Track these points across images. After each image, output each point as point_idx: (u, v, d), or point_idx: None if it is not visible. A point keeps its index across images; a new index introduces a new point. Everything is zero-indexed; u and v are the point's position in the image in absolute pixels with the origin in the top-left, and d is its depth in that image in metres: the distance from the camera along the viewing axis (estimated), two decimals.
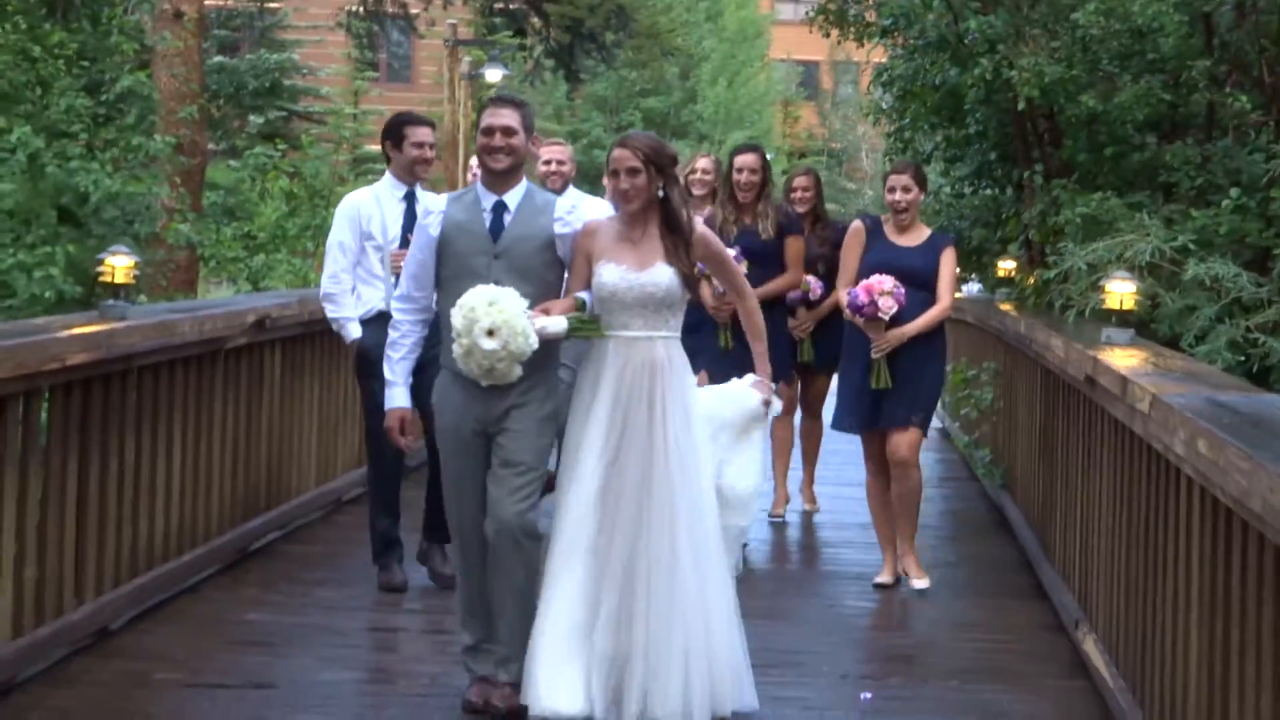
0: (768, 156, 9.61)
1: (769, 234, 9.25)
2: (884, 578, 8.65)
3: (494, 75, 28.26)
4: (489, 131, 6.24)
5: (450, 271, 6.19)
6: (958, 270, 8.94)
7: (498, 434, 6.11)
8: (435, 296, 6.34)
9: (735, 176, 9.24)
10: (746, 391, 6.44)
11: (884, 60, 13.66)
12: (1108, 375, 6.54)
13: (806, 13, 14.40)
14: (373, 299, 8.18)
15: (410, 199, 8.25)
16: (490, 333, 5.75)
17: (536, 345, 5.83)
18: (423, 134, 8.36)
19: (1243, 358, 8.67)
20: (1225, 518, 4.80)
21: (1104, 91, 10.51)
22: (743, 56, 43.48)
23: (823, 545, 9.85)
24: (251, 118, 28.70)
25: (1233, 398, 5.45)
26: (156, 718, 6.29)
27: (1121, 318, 7.64)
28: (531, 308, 5.91)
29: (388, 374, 6.43)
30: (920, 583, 8.57)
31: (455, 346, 5.84)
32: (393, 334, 6.43)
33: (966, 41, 11.17)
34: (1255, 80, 10.64)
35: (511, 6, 24.01)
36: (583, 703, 5.80)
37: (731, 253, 8.59)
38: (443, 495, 6.41)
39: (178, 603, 7.87)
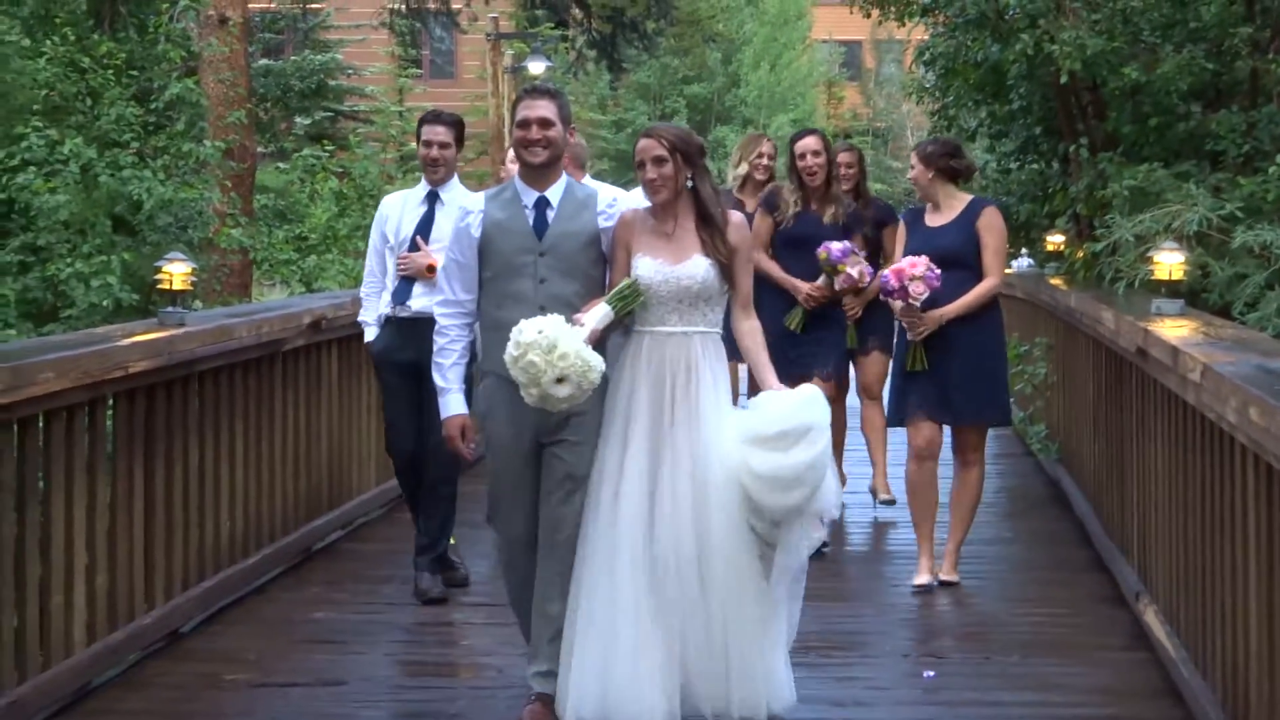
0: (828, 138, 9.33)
1: (834, 217, 8.93)
2: (922, 579, 8.16)
3: (537, 68, 28.32)
4: (525, 124, 5.97)
5: (494, 271, 5.95)
6: (1004, 240, 8.31)
7: (554, 444, 5.87)
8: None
9: (800, 163, 8.92)
10: (795, 406, 5.82)
11: (925, 39, 13.66)
12: (1159, 346, 6.57)
13: None
14: (385, 303, 8.13)
15: (432, 200, 8.10)
16: (560, 380, 5.46)
17: (604, 367, 5.60)
18: (432, 132, 8.07)
19: None
20: (1279, 484, 4.83)
21: (1146, 62, 10.51)
22: (784, 39, 43.36)
23: (882, 523, 9.86)
24: (298, 119, 28.84)
25: None
26: (228, 718, 6.39)
27: (1171, 288, 7.65)
28: (577, 310, 5.75)
29: (440, 380, 6.08)
30: (950, 577, 8.19)
31: (525, 395, 5.54)
32: (440, 340, 6.10)
33: (1007, 17, 11.19)
34: None
35: None
36: (632, 708, 5.61)
37: (839, 246, 8.75)
38: (491, 509, 6.11)
39: (246, 604, 7.98)
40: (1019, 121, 12.63)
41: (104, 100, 14.73)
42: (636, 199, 7.74)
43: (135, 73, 15.49)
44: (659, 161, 5.83)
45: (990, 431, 8.72)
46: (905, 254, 8.14)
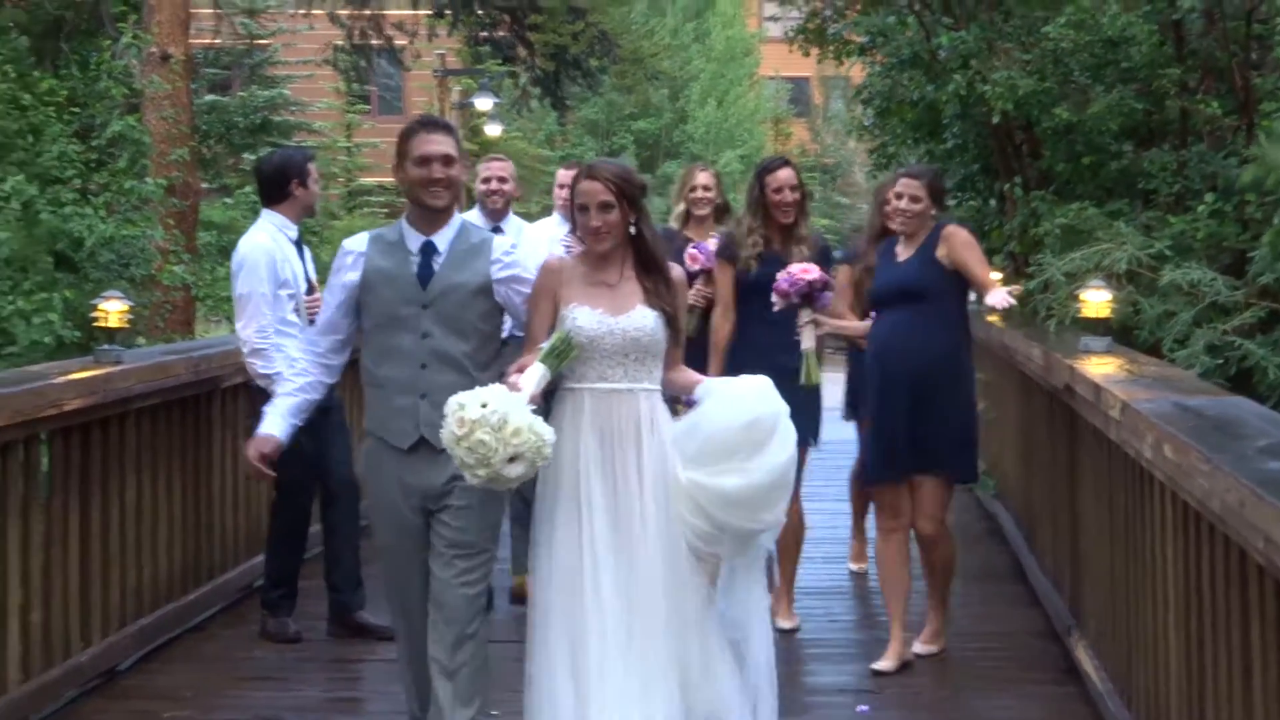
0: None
1: (803, 258, 7.71)
2: (886, 663, 7.38)
3: (484, 104, 28.44)
4: (425, 161, 5.41)
5: (374, 323, 5.46)
6: (975, 252, 7.50)
7: (439, 510, 5.40)
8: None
9: (775, 197, 7.84)
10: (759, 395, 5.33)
11: (865, 77, 13.83)
12: (1083, 383, 6.67)
13: (786, 32, 14.59)
14: None
15: (299, 244, 7.91)
16: (513, 459, 4.87)
17: (554, 436, 4.99)
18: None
19: (1221, 361, 8.80)
20: (1194, 519, 4.93)
21: (1078, 103, 10.68)
22: (732, 75, 43.64)
23: (818, 560, 9.88)
24: (245, 155, 28.85)
25: (1200, 402, 5.57)
26: None
27: (1098, 326, 7.76)
28: (472, 366, 5.35)
29: (267, 406, 5.73)
30: (927, 648, 7.61)
31: (469, 476, 4.93)
32: (289, 368, 5.80)
33: (940, 57, 11.33)
34: (1228, 85, 10.79)
35: (497, 35, 24.14)
36: None
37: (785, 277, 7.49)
38: (384, 580, 5.74)
39: (184, 641, 7.98)
40: (956, 159, 12.79)
41: (45, 137, 14.70)
42: (544, 230, 7.66)
43: (77, 109, 15.47)
44: (605, 208, 5.27)
45: None
46: (870, 289, 7.68)
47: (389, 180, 26.94)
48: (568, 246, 7.47)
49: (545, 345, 5.22)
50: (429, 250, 5.43)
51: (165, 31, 17.05)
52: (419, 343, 5.37)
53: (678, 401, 5.62)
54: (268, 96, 30.01)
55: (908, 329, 7.32)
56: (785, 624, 7.97)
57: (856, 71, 15.15)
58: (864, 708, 6.84)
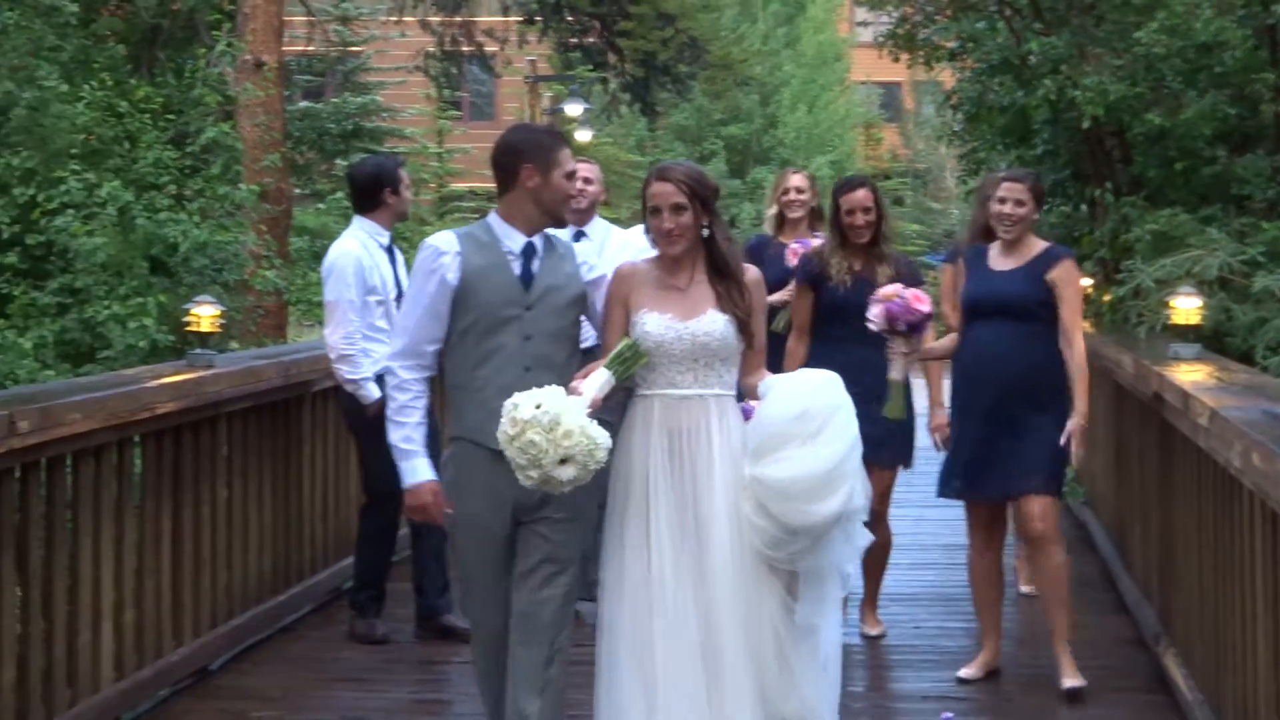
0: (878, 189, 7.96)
1: (887, 278, 7.40)
2: (972, 670, 7.32)
3: (574, 109, 28.57)
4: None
5: (471, 323, 5.28)
6: (1078, 293, 7.23)
7: (533, 522, 5.25)
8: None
9: (847, 219, 7.67)
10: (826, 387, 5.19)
11: (953, 84, 13.78)
12: (1172, 390, 6.64)
13: (876, 38, 14.55)
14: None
15: (578, 241, 7.71)
16: (564, 461, 4.80)
17: (610, 443, 4.92)
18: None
19: None
20: None
21: (1170, 108, 10.60)
22: (822, 80, 43.45)
23: (904, 567, 9.86)
24: (337, 161, 29.09)
25: None
26: None
27: (1189, 332, 7.70)
28: (567, 371, 5.20)
29: (402, 444, 5.38)
30: (1072, 682, 7.05)
31: (522, 478, 4.87)
32: (400, 396, 5.38)
33: (1030, 62, 11.27)
34: None
35: (587, 41, 24.23)
36: None
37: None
38: (464, 596, 5.55)
39: (274, 642, 8.07)
40: (1046, 165, 12.71)
41: (141, 144, 14.90)
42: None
43: (172, 117, 15.66)
44: (678, 209, 5.18)
45: None
46: (962, 295, 7.31)
47: (480, 185, 27.13)
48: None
49: (612, 351, 5.14)
50: (530, 251, 5.33)
51: (259, 39, 17.23)
52: (522, 345, 5.26)
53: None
54: (360, 103, 30.23)
55: (1009, 343, 7.01)
56: (872, 631, 8.03)
57: (947, 76, 15.10)
58: (949, 715, 6.81)
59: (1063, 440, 6.84)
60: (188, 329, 7.92)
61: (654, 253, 5.32)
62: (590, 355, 5.47)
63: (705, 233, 5.24)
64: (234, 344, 14.13)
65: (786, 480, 5.00)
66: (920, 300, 6.81)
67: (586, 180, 8.16)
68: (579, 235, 7.98)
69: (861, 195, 7.70)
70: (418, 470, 5.36)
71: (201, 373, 7.36)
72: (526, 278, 5.30)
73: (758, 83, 38.92)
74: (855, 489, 5.10)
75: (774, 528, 5.04)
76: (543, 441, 4.76)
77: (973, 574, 7.43)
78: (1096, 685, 7.22)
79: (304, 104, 29.77)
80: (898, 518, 8.53)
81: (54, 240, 14.17)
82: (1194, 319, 7.58)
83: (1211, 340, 8.28)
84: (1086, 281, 12.27)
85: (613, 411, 5.21)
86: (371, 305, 7.75)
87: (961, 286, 7.32)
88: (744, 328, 5.22)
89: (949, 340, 7.51)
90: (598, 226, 8.35)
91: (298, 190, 23.09)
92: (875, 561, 7.90)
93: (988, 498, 7.20)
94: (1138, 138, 11.08)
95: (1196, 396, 6.05)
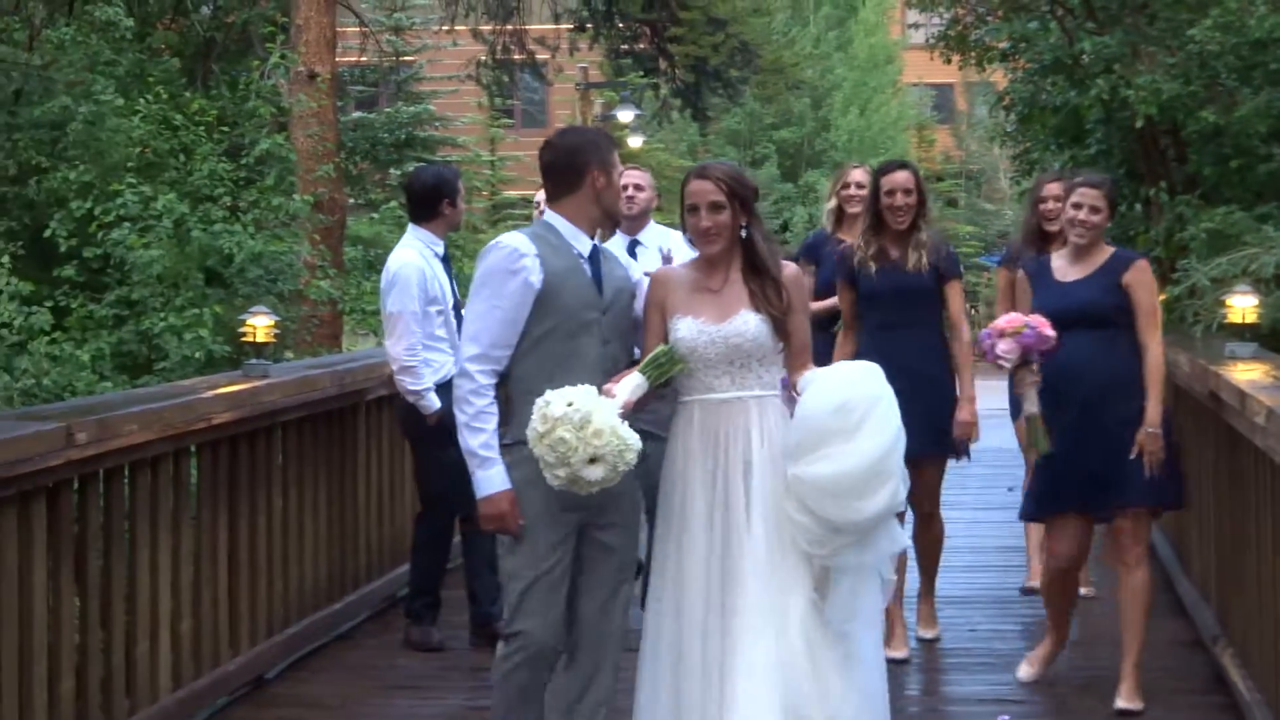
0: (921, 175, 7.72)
1: (922, 267, 7.43)
2: (1028, 670, 7.28)
3: (626, 116, 28.63)
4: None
5: (550, 328, 5.19)
6: (1154, 297, 7.02)
7: (601, 527, 5.24)
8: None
9: (886, 200, 7.44)
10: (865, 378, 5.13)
11: (1005, 85, 13.74)
12: (1228, 389, 6.60)
13: (927, 39, 14.53)
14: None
15: (633, 251, 7.75)
16: (593, 460, 4.79)
17: (640, 445, 4.89)
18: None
19: None
20: None
21: (1224, 105, 10.54)
22: (874, 83, 43.39)
23: (958, 569, 9.81)
24: (391, 171, 29.20)
25: None
26: None
27: (1245, 331, 7.65)
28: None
29: (481, 450, 5.20)
30: (1127, 704, 6.85)
31: (549, 476, 4.87)
32: (477, 402, 5.20)
33: (1083, 62, 11.22)
34: None
35: (638, 48, 24.23)
36: None
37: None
38: (516, 605, 5.26)
39: (330, 650, 8.10)
40: (1099, 165, 12.64)
41: (196, 156, 15.00)
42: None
43: (226, 129, 15.76)
44: (715, 208, 5.16)
45: None
46: (1043, 308, 6.84)
47: (531, 193, 27.19)
48: (666, 256, 7.41)
49: (648, 357, 5.11)
50: (597, 254, 5.32)
51: (312, 51, 17.30)
52: (602, 349, 5.21)
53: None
54: (413, 112, 30.37)
55: (1088, 352, 6.73)
56: (927, 633, 7.96)
57: (999, 77, 15.04)
58: (1005, 717, 6.77)
59: (1133, 453, 6.67)
60: (243, 339, 7.99)
61: (661, 251, 5.35)
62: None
63: (743, 233, 5.20)
64: (289, 354, 14.22)
65: (829, 477, 4.93)
66: (1046, 325, 6.60)
67: (638, 187, 8.06)
68: (634, 245, 7.93)
69: (903, 177, 7.48)
70: (495, 479, 5.21)
71: (257, 383, 7.40)
72: (598, 280, 5.26)
73: (809, 86, 38.86)
74: (900, 484, 5.02)
75: (817, 525, 4.98)
76: (573, 439, 4.74)
77: (1050, 588, 7.22)
78: (1154, 687, 7.17)
79: (357, 114, 29.91)
80: (952, 520, 8.49)
81: (110, 253, 14.28)
82: (1250, 317, 7.53)
83: (1268, 339, 8.21)
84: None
85: (651, 420, 5.24)
86: (432, 315, 7.76)
87: (1030, 301, 6.97)
88: (780, 326, 5.16)
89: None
90: (653, 233, 8.17)
91: (351, 200, 23.15)
92: (928, 559, 7.87)
93: (1080, 512, 6.92)
94: (1192, 136, 11.02)
95: (1253, 395, 6.01)
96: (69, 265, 14.45)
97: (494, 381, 5.24)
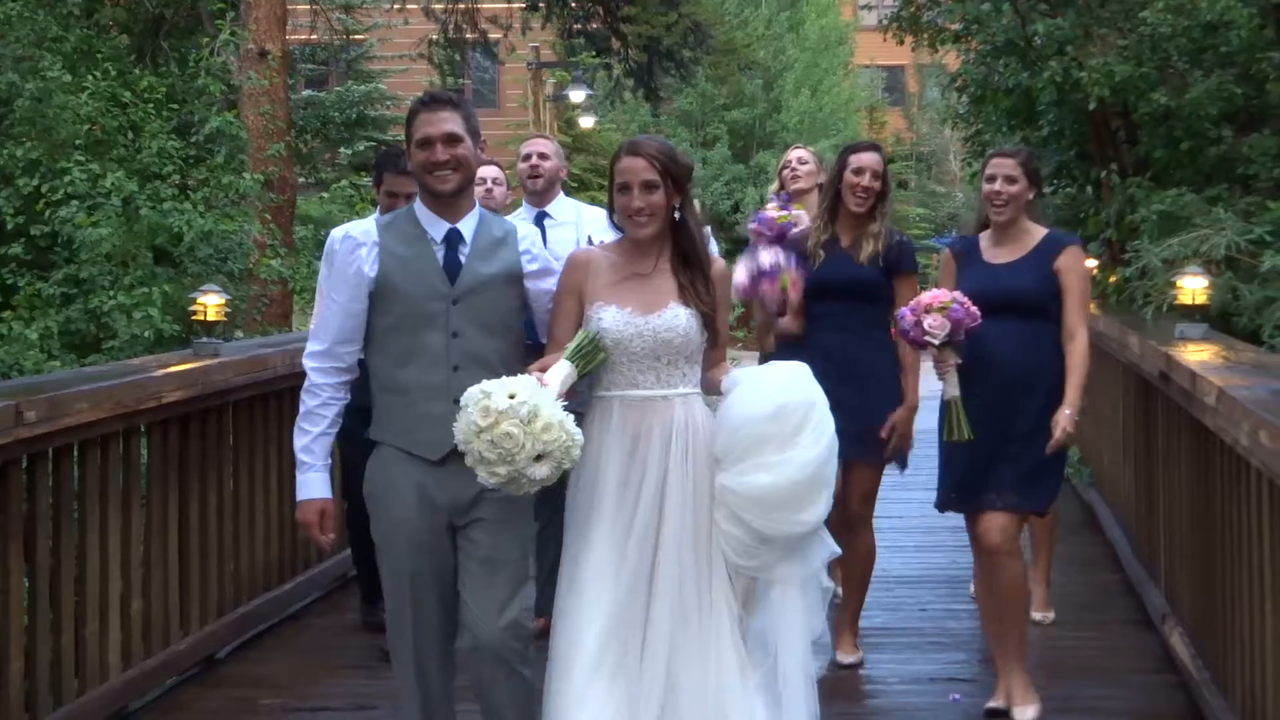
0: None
1: (872, 257, 6.92)
2: (997, 701, 6.52)
3: (578, 96, 28.55)
4: (427, 143, 4.80)
5: (393, 320, 4.83)
6: (1089, 285, 6.71)
7: (468, 525, 4.81)
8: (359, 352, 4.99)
9: (853, 179, 6.90)
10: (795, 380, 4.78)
11: (958, 66, 13.78)
12: (1179, 370, 6.63)
13: (880, 21, 14.57)
14: None
15: (540, 223, 7.28)
16: (539, 458, 4.40)
17: (583, 440, 4.52)
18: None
19: None
20: None
21: (1176, 88, 10.59)
22: (826, 64, 43.35)
23: (910, 550, 9.84)
24: (341, 150, 29.06)
25: None
26: None
27: (1195, 312, 7.69)
28: (505, 368, 4.68)
29: (300, 454, 4.94)
30: (1026, 711, 6.44)
31: (485, 475, 4.43)
32: (309, 401, 4.92)
33: (1035, 44, 11.26)
34: None
35: (591, 28, 24.15)
36: None
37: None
38: (392, 616, 4.96)
39: (280, 630, 8.07)
40: (1051, 146, 12.71)
41: (145, 134, 14.91)
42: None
43: (176, 106, 15.67)
44: (649, 188, 4.76)
45: None
46: (968, 290, 6.34)
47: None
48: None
49: (571, 344, 4.72)
50: (454, 239, 4.86)
51: (262, 28, 17.19)
52: (449, 343, 4.80)
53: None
54: (364, 91, 30.21)
55: (1011, 343, 6.28)
56: (846, 658, 7.19)
57: (951, 59, 15.09)
58: (956, 695, 6.80)
59: (1050, 446, 6.21)
60: (193, 318, 7.93)
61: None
62: (535, 353, 4.98)
63: (676, 216, 4.84)
64: (239, 333, 14.13)
65: (765, 489, 4.63)
66: (969, 302, 6.16)
67: (542, 156, 7.55)
68: (541, 217, 7.48)
69: (872, 158, 6.96)
70: (309, 485, 4.93)
71: (208, 361, 7.37)
72: (452, 267, 4.83)
73: (761, 67, 38.84)
74: (831, 493, 4.75)
75: (747, 536, 4.69)
76: (520, 434, 4.34)
77: (978, 592, 6.88)
78: (1104, 666, 7.24)
79: (307, 93, 29.75)
80: (903, 501, 8.51)
81: (58, 231, 14.19)
82: (1201, 299, 7.57)
83: (1218, 321, 8.27)
84: (1091, 263, 12.28)
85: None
86: None
87: (953, 283, 6.48)
88: (708, 322, 4.84)
89: None
90: (564, 206, 7.66)
91: (301, 179, 23.04)
92: (856, 575, 7.26)
93: (985, 510, 6.39)
94: (1143, 118, 11.07)
95: (1204, 376, 6.04)
96: (16, 243, 14.35)
97: (335, 380, 4.90)
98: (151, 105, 15.05)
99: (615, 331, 4.74)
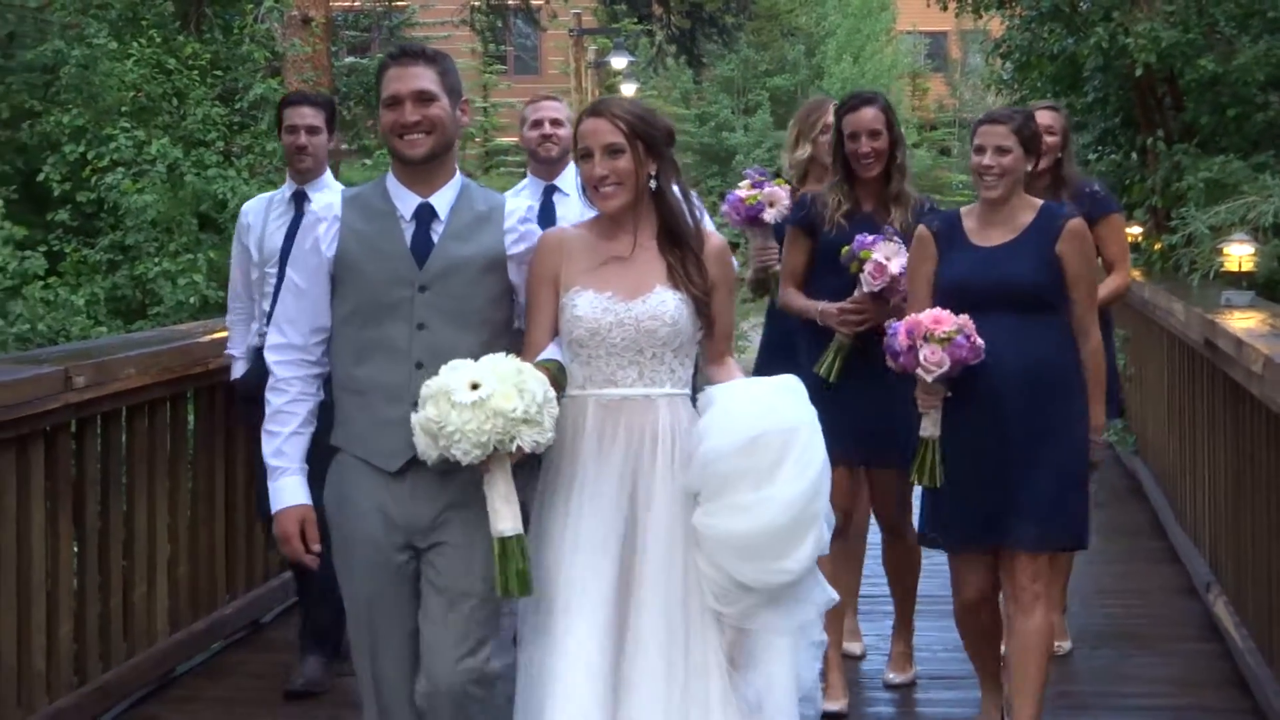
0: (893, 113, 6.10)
1: (905, 226, 5.87)
2: None
3: (619, 62, 28.49)
4: (395, 102, 4.15)
5: (352, 308, 4.18)
6: (1091, 266, 5.48)
7: (429, 549, 4.16)
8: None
9: (850, 145, 5.95)
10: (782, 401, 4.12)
11: (1003, 31, 13.73)
12: (1225, 338, 6.60)
13: None
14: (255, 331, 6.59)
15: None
16: (526, 421, 3.86)
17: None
18: (297, 114, 6.46)
19: None
20: None
21: (1223, 54, 10.52)
22: (868, 30, 43.23)
23: None
24: None
25: None
26: (307, 706, 6.46)
27: (1242, 279, 7.66)
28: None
29: (271, 458, 4.27)
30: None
31: (460, 451, 3.86)
32: (275, 399, 4.27)
33: (1081, 10, 11.21)
34: None
35: None
36: None
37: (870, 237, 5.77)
38: (352, 638, 4.36)
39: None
40: (1096, 113, 12.65)
41: (190, 101, 14.99)
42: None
43: (220, 73, 15.73)
44: (611, 152, 4.09)
45: None
46: (941, 284, 5.34)
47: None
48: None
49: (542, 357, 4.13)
50: (426, 214, 4.20)
51: None
52: (413, 336, 4.14)
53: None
54: None
55: (1006, 343, 5.15)
56: (898, 677, 6.58)
57: (995, 25, 15.01)
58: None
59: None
60: None
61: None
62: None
63: (652, 184, 4.16)
64: None
65: (741, 535, 3.99)
66: (973, 329, 5.11)
67: (555, 122, 6.59)
68: (551, 191, 6.64)
69: (869, 115, 5.94)
70: (285, 491, 4.26)
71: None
72: (422, 248, 4.19)
73: (803, 33, 38.77)
74: (824, 527, 4.07)
75: (725, 580, 4.04)
76: (512, 401, 3.83)
77: (964, 625, 5.66)
78: (1147, 634, 7.23)
79: (350, 59, 29.73)
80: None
81: (104, 197, 14.28)
82: (1247, 266, 7.55)
83: (1265, 288, 8.23)
84: (1136, 230, 12.22)
85: None
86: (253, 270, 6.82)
87: (931, 270, 5.39)
88: (702, 309, 4.16)
89: None
90: (573, 178, 6.11)
91: (344, 146, 23.08)
92: (901, 584, 6.63)
93: (982, 546, 5.39)
94: (1190, 84, 11.02)
95: (1250, 344, 6.01)
96: (62, 210, 14.46)
97: (302, 374, 4.25)
98: (196, 72, 15.13)
99: (592, 320, 4.10)
